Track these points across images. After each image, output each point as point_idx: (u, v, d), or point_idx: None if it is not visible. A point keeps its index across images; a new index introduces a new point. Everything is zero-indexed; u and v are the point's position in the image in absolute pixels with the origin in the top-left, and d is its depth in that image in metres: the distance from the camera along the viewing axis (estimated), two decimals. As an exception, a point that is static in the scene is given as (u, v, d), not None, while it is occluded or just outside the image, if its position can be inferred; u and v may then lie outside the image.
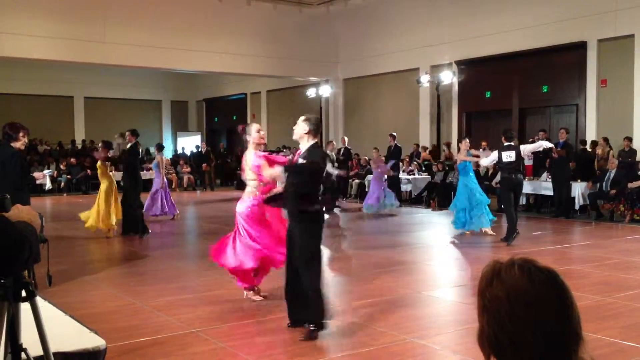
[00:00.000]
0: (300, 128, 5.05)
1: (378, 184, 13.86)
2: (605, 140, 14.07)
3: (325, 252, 8.40)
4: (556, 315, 1.27)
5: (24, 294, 2.28)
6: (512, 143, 9.75)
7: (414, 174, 16.98)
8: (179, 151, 26.49)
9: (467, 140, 10.88)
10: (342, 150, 17.82)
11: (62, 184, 20.70)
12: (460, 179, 10.87)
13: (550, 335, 1.27)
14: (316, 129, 5.08)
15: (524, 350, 1.27)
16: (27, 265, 2.12)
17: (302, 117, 5.13)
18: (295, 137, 5.12)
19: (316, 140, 5.08)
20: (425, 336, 4.97)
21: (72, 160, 21.67)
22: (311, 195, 4.89)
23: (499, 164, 9.93)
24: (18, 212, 2.17)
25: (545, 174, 13.65)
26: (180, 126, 29.45)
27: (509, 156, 9.56)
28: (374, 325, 5.21)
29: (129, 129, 11.28)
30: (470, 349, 4.51)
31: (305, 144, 5.06)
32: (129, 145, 11.03)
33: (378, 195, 13.67)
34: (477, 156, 11.08)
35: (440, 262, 8.53)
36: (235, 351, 4.57)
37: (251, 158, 5.88)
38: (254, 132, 5.92)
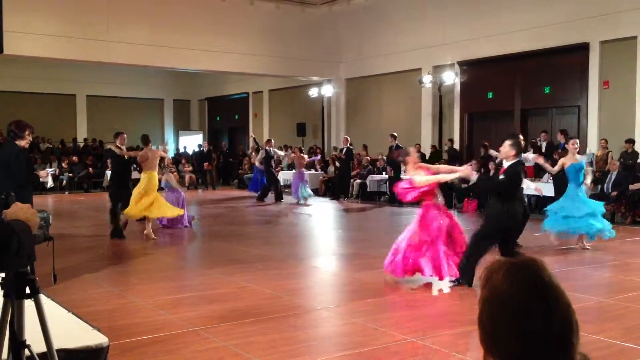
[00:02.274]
0: (507, 149, 6.47)
1: (298, 178, 16.56)
2: (605, 141, 14.10)
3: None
4: (534, 317, 1.27)
5: (27, 291, 2.30)
6: None
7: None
8: (181, 150, 26.53)
9: (577, 140, 9.55)
10: (344, 150, 17.87)
11: (64, 182, 20.74)
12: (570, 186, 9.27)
13: (527, 336, 1.27)
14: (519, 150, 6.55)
15: (503, 350, 1.30)
16: (18, 263, 2.11)
17: (508, 141, 6.49)
18: (501, 156, 6.72)
19: (518, 159, 6.50)
20: (425, 336, 4.99)
21: (75, 158, 21.71)
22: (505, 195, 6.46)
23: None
24: (16, 209, 2.15)
25: (546, 175, 13.65)
26: (183, 125, 29.47)
27: None
28: (374, 325, 5.22)
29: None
30: (471, 349, 4.52)
31: (508, 162, 6.48)
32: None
33: (297, 187, 16.37)
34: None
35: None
36: (237, 350, 4.58)
37: (420, 176, 6.88)
38: (414, 153, 7.19)
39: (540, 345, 1.27)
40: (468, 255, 6.52)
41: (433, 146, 18.27)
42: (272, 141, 18.09)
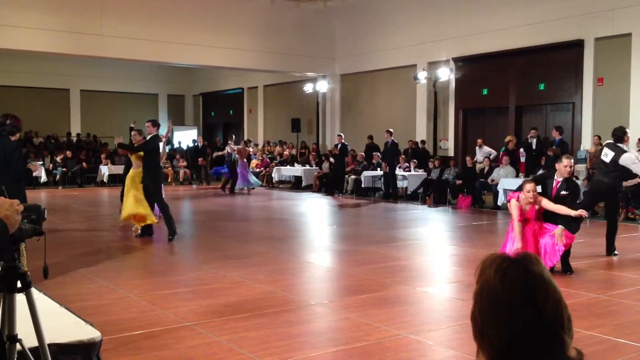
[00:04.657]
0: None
1: (244, 168, 18.32)
2: (598, 138, 14.12)
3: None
4: (520, 315, 1.27)
5: (19, 285, 2.28)
6: (617, 144, 8.55)
7: (409, 171, 17.00)
8: (176, 145, 26.46)
9: None
10: (339, 146, 17.88)
11: (58, 177, 20.66)
12: None
13: (513, 334, 1.27)
14: None
15: (489, 345, 1.30)
16: None
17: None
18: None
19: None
20: (419, 332, 4.99)
21: (68, 153, 21.63)
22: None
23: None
24: None
25: (540, 172, 13.68)
26: (177, 120, 29.37)
27: (605, 154, 8.59)
28: (368, 320, 5.22)
29: (149, 119, 10.20)
30: (464, 345, 4.53)
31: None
32: (148, 137, 9.69)
33: (244, 177, 18.17)
34: None
35: (435, 259, 8.55)
36: (230, 345, 4.58)
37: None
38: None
39: (526, 342, 1.27)
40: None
41: (422, 141, 18.35)
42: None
